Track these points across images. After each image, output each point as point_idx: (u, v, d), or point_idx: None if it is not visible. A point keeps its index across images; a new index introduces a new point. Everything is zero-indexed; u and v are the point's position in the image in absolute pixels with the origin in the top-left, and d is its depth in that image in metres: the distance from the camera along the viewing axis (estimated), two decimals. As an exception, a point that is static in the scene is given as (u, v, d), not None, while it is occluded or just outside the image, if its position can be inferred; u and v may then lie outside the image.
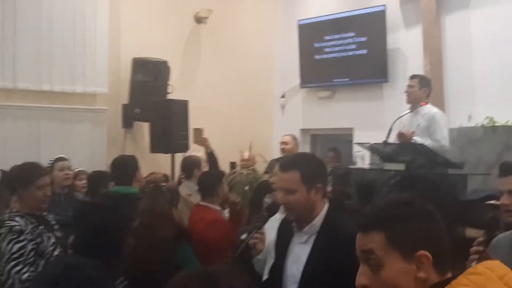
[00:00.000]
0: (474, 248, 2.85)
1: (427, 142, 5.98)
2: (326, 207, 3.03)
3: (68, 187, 5.90)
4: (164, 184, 4.69)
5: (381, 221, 1.74)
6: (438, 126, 6.23)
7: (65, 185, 5.82)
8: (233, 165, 7.26)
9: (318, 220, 2.99)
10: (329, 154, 8.58)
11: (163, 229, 4.03)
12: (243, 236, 3.02)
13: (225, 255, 3.14)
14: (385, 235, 1.71)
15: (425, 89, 6.46)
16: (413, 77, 6.62)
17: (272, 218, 3.43)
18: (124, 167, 4.80)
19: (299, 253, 3.00)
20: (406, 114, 6.42)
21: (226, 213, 5.68)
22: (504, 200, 3.06)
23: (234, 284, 1.52)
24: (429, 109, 6.38)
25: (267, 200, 3.09)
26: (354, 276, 2.72)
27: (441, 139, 6.14)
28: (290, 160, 3.13)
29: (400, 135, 6.03)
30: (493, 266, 1.70)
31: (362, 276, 1.76)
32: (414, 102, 6.40)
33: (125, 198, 4.58)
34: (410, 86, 6.49)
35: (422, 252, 1.68)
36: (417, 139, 6.03)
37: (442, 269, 1.71)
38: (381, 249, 1.71)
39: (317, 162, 3.15)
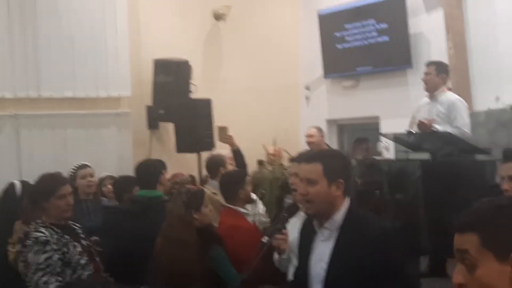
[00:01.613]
0: None
1: (447, 129, 5.90)
2: (347, 204, 2.98)
3: (94, 193, 5.90)
4: (188, 186, 4.67)
5: (476, 222, 1.76)
6: (458, 113, 6.15)
7: (90, 192, 5.82)
8: (260, 162, 7.22)
9: (339, 216, 2.94)
10: (361, 145, 8.49)
11: (182, 230, 4.02)
12: (265, 239, 2.98)
13: (247, 260, 3.12)
14: (479, 236, 1.73)
15: (442, 75, 6.39)
16: (429, 64, 6.57)
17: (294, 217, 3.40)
18: (148, 170, 4.81)
19: (323, 251, 2.96)
20: (423, 103, 6.36)
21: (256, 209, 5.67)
22: (505, 185, 3.12)
23: None
24: (448, 95, 6.31)
25: (288, 200, 3.05)
26: (378, 273, 2.73)
27: (462, 126, 6.05)
28: (313, 153, 3.20)
29: (420, 124, 5.96)
30: None
31: (458, 274, 1.78)
32: (432, 89, 6.33)
33: (151, 202, 4.58)
34: (427, 74, 6.44)
35: None
36: (438, 127, 5.94)
37: None
38: (476, 250, 1.73)
39: (341, 158, 3.13)
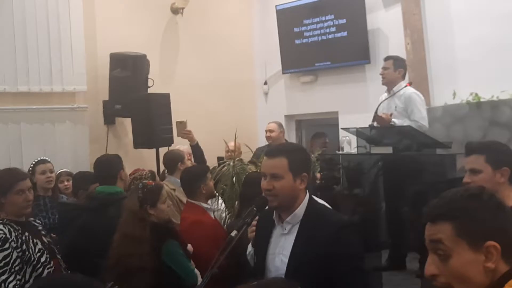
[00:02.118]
0: None
1: (405, 123, 5.97)
2: (307, 197, 3.01)
3: (53, 189, 5.78)
4: (145, 181, 4.57)
5: (450, 212, 1.77)
6: (415, 106, 6.24)
7: (48, 188, 5.71)
8: (220, 159, 7.15)
9: (300, 210, 2.97)
10: (319, 140, 8.54)
11: (135, 226, 3.97)
12: (233, 233, 2.93)
13: (211, 255, 3.07)
14: (453, 225, 1.75)
15: (400, 69, 6.48)
16: (387, 58, 6.64)
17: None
18: (107, 166, 4.71)
19: (283, 244, 2.98)
20: (383, 98, 6.44)
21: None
22: (466, 178, 3.16)
23: None
24: (406, 90, 6.39)
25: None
26: (337, 266, 2.73)
27: (419, 119, 6.14)
28: (278, 147, 3.17)
29: (379, 118, 6.02)
30: None
31: (431, 265, 1.79)
32: (390, 84, 6.40)
33: (110, 198, 4.48)
34: (384, 68, 6.53)
35: (490, 242, 1.71)
36: (395, 121, 6.01)
37: (511, 258, 1.73)
38: (450, 239, 1.75)
39: (304, 152, 3.16)
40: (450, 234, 1.75)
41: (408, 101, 6.25)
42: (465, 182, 3.10)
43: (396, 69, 6.44)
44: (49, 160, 5.93)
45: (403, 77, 6.52)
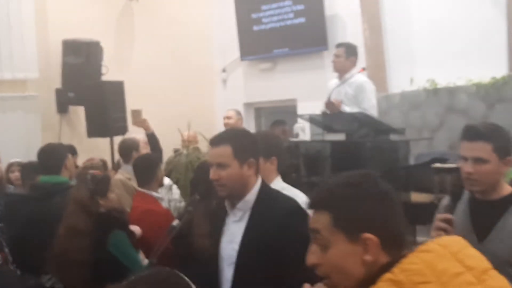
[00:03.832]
0: (441, 216, 2.72)
1: (354, 110, 5.91)
2: (259, 182, 2.93)
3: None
4: (92, 171, 4.43)
5: (328, 201, 1.71)
6: (366, 95, 6.17)
7: None
8: (176, 151, 7.05)
9: (251, 196, 2.89)
10: (278, 128, 8.43)
11: (80, 218, 3.82)
12: (175, 223, 2.84)
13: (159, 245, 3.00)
14: (330, 215, 1.69)
15: (352, 58, 6.38)
16: (339, 45, 6.55)
17: None
18: (51, 155, 4.55)
19: (234, 232, 2.90)
20: (335, 84, 6.37)
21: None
22: (468, 168, 2.79)
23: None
24: (357, 77, 6.32)
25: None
26: (289, 253, 2.65)
27: (369, 108, 6.08)
28: (221, 135, 3.02)
29: (329, 104, 5.95)
30: (447, 242, 1.66)
31: (312, 255, 1.74)
32: (341, 71, 6.33)
33: (55, 188, 4.33)
34: (336, 56, 6.41)
35: (366, 235, 1.64)
36: (345, 108, 5.95)
37: (394, 250, 1.66)
38: (327, 229, 1.69)
39: (249, 136, 3.06)
40: (328, 224, 1.68)
41: (359, 89, 6.19)
42: (467, 172, 2.80)
43: (348, 57, 6.34)
44: None
45: (355, 65, 6.42)
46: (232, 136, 2.95)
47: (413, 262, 1.59)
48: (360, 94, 6.15)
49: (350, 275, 1.67)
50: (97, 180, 3.99)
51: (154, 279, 1.57)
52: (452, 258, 1.60)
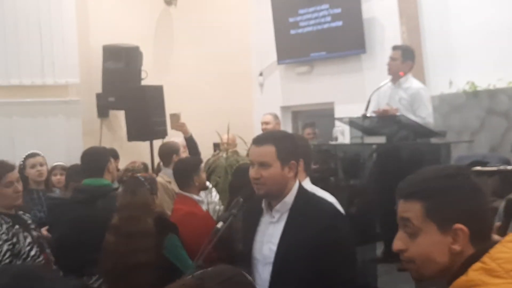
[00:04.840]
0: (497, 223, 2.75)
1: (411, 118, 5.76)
2: (297, 185, 2.96)
3: (45, 183, 5.73)
4: (140, 174, 4.49)
5: (421, 191, 1.75)
6: (422, 102, 5.97)
7: (40, 181, 5.66)
8: (216, 146, 7.08)
9: (290, 198, 2.92)
10: (307, 130, 8.44)
11: (145, 220, 3.87)
12: (219, 225, 2.87)
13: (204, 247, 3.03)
14: (423, 205, 1.73)
15: (408, 62, 6.15)
16: (395, 48, 6.29)
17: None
18: (94, 158, 4.61)
19: (272, 233, 2.92)
20: (384, 84, 6.16)
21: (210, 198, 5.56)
22: None
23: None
24: (412, 83, 6.12)
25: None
26: (327, 255, 2.68)
27: (426, 116, 5.88)
28: (265, 135, 3.13)
29: (384, 112, 5.76)
30: None
31: (399, 241, 1.80)
32: (396, 75, 6.10)
33: (98, 191, 4.40)
34: (392, 59, 6.17)
35: (458, 225, 1.70)
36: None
37: (480, 243, 1.71)
38: (418, 218, 1.74)
39: (292, 140, 3.09)
40: (420, 213, 1.73)
41: (415, 96, 5.98)
42: None
43: (404, 61, 6.11)
44: (39, 153, 5.84)
45: (410, 69, 6.18)
46: (276, 137, 2.98)
47: (503, 251, 1.65)
48: (417, 102, 5.96)
49: (435, 263, 1.73)
50: (150, 181, 4.05)
51: (221, 276, 1.60)
52: None
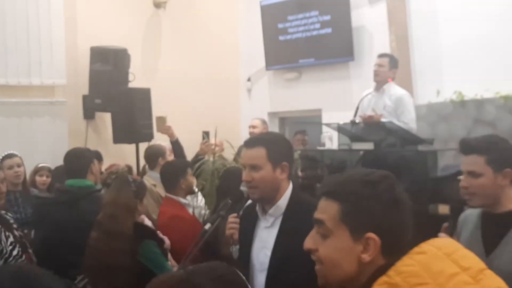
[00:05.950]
0: (445, 224, 2.82)
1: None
2: (290, 187, 2.92)
3: (23, 184, 5.61)
4: (130, 175, 4.46)
5: (341, 192, 1.70)
6: (406, 108, 6.12)
7: (17, 183, 5.52)
8: (206, 134, 7.01)
9: (283, 201, 2.88)
10: (297, 137, 8.46)
11: (124, 222, 3.81)
12: (207, 226, 2.84)
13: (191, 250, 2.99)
14: (339, 207, 1.68)
15: (394, 70, 6.33)
16: (383, 56, 6.46)
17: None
18: (77, 159, 4.55)
19: (266, 238, 2.89)
20: (368, 94, 6.30)
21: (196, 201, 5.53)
22: (463, 182, 2.81)
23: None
24: (396, 90, 6.26)
25: (244, 188, 2.91)
26: None
27: (409, 121, 6.03)
28: (256, 137, 3.08)
29: (369, 118, 5.84)
30: (441, 244, 1.65)
31: (310, 239, 1.75)
32: (382, 82, 6.26)
33: (81, 192, 4.35)
34: (380, 65, 6.32)
35: (370, 234, 1.64)
36: (385, 121, 5.89)
37: (392, 255, 1.63)
38: (332, 221, 1.69)
39: (283, 141, 3.06)
40: (334, 215, 1.68)
41: (399, 102, 6.13)
42: (462, 186, 2.81)
43: (391, 68, 6.29)
44: (16, 154, 5.69)
45: (394, 77, 6.36)
46: (266, 139, 2.96)
47: (408, 264, 1.57)
48: (400, 107, 6.09)
49: (342, 270, 1.67)
50: (138, 184, 4.00)
51: (212, 272, 1.55)
52: (447, 259, 1.59)
